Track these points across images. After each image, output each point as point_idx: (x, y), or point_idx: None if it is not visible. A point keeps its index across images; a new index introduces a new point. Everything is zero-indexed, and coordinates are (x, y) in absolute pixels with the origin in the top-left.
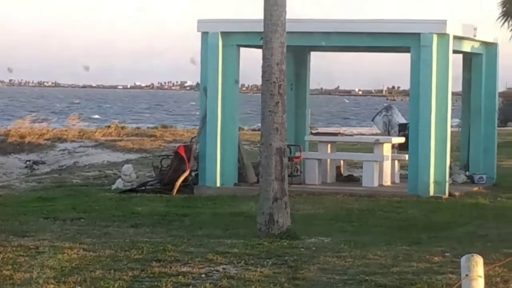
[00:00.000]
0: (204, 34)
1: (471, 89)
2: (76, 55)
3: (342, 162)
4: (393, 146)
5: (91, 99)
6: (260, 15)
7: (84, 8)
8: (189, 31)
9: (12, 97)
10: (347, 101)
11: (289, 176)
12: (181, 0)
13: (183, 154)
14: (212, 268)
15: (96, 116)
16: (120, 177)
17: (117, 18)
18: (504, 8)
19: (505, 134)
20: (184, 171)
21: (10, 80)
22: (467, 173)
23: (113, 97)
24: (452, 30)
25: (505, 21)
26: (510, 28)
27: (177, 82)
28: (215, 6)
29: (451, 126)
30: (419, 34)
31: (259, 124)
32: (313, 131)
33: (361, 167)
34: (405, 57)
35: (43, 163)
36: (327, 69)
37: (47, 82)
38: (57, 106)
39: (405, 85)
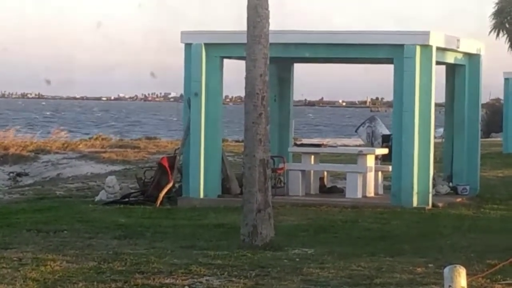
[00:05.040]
0: (187, 46)
1: (455, 100)
2: (54, 67)
3: (325, 173)
4: (376, 157)
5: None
6: (244, 27)
7: (53, 16)
8: (173, 42)
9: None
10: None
11: (272, 187)
12: (163, 13)
13: (167, 166)
14: (195, 280)
15: None
16: (103, 188)
17: (97, 30)
18: (496, 20)
19: (489, 145)
20: (167, 183)
21: None
22: (450, 184)
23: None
24: (435, 41)
25: (498, 33)
26: (508, 41)
27: (160, 93)
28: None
29: (435, 137)
30: (402, 45)
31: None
32: (297, 142)
33: (345, 178)
34: (389, 68)
35: (27, 175)
36: (311, 81)
37: (31, 94)
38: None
39: (389, 96)
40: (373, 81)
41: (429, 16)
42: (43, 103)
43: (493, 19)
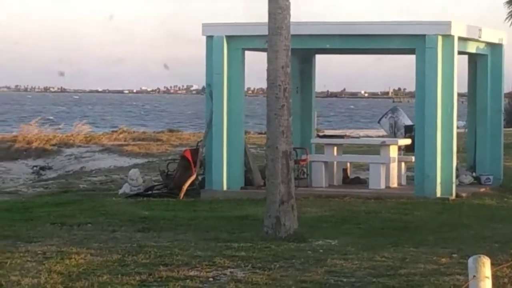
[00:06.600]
0: (209, 38)
1: (477, 90)
2: (73, 60)
3: (348, 164)
4: (399, 148)
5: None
6: (265, 19)
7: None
8: (194, 35)
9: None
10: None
11: (295, 179)
12: (187, 5)
13: (190, 158)
14: (219, 272)
15: None
16: (126, 181)
17: (110, 23)
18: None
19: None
20: (190, 175)
21: (16, 86)
22: (473, 174)
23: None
24: (457, 31)
25: None
26: None
27: (183, 86)
28: (220, 10)
29: (458, 127)
30: (424, 35)
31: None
32: (320, 134)
33: (368, 169)
34: (411, 59)
35: (50, 168)
36: (333, 72)
37: (53, 88)
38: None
39: (411, 86)
40: (395, 71)
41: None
42: (75, 96)
43: (509, 6)
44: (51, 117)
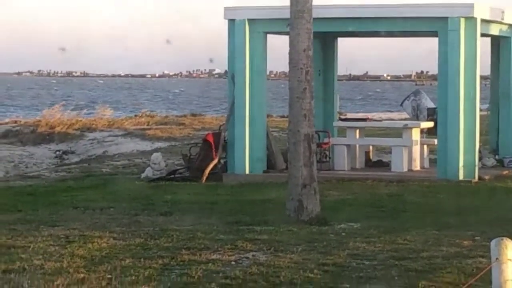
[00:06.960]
0: (231, 22)
1: (500, 72)
2: (93, 43)
3: (371, 147)
4: (422, 131)
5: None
6: (287, 2)
7: None
8: (214, 17)
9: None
10: None
11: (317, 162)
12: None
13: (212, 142)
14: (241, 255)
15: None
16: (149, 165)
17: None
18: None
19: None
20: (212, 159)
21: (39, 71)
22: (496, 156)
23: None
24: (480, 13)
25: None
26: None
27: (205, 70)
28: None
29: (480, 110)
30: (446, 18)
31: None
32: (342, 117)
33: (390, 152)
34: (434, 41)
35: (73, 153)
36: (355, 55)
37: (76, 72)
38: None
39: (434, 69)
40: (418, 54)
41: None
42: (100, 81)
43: None
44: (82, 102)
